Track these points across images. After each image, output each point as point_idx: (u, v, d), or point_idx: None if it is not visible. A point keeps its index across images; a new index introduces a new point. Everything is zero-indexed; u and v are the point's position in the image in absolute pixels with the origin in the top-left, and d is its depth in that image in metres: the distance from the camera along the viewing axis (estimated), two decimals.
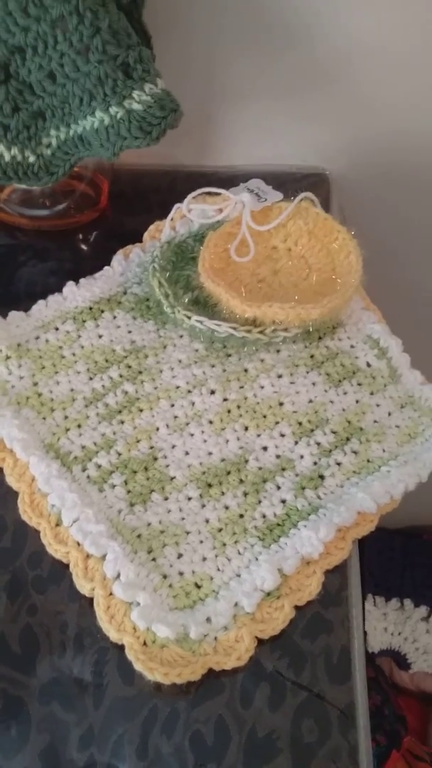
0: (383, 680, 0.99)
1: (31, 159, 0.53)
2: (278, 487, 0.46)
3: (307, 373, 0.51)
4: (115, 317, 0.54)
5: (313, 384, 0.51)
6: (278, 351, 0.52)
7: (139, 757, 0.37)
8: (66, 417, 0.48)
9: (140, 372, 0.50)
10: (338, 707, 0.39)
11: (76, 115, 0.50)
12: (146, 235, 0.59)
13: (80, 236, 0.62)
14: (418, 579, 1.09)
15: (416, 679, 1.02)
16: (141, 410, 0.49)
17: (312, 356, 0.52)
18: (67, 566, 0.42)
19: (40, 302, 0.54)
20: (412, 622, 1.05)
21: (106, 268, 0.56)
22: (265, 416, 0.49)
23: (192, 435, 0.48)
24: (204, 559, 0.42)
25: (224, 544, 0.43)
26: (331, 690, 0.40)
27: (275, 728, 0.38)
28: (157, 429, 0.48)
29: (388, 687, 0.99)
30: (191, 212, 0.56)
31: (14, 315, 0.53)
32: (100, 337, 0.52)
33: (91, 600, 0.41)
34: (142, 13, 0.52)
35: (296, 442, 0.48)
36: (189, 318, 0.51)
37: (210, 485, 0.46)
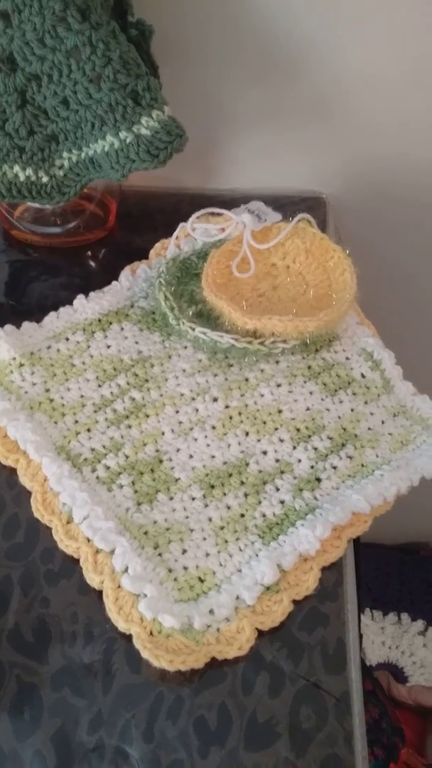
0: (381, 693, 1.00)
1: (45, 179, 0.56)
2: (277, 489, 0.48)
3: (305, 382, 0.54)
4: (122, 329, 0.56)
5: (311, 393, 0.53)
6: (277, 362, 0.55)
7: (146, 740, 0.39)
8: (76, 421, 0.50)
9: (147, 380, 0.53)
10: (334, 695, 0.41)
11: (87, 138, 0.53)
12: (152, 253, 0.62)
13: (89, 253, 0.64)
14: (415, 594, 1.10)
15: (413, 692, 1.03)
16: (147, 416, 0.51)
17: (309, 367, 0.55)
18: (77, 561, 0.44)
19: (52, 314, 0.56)
20: (409, 636, 1.07)
21: (114, 282, 0.59)
22: (264, 422, 0.51)
23: (196, 439, 0.50)
24: (207, 554, 0.45)
25: (226, 541, 0.45)
26: (328, 679, 0.42)
27: (274, 714, 0.40)
28: (163, 433, 0.50)
29: (386, 700, 1.00)
30: (195, 231, 0.59)
31: (27, 326, 0.55)
32: (109, 347, 0.55)
33: (100, 592, 0.43)
34: (150, 45, 0.55)
35: (294, 447, 0.50)
36: (193, 329, 0.53)
37: (213, 486, 0.48)
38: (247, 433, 0.51)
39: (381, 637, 1.07)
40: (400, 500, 0.49)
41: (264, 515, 0.47)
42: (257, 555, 0.45)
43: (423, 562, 1.14)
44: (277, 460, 0.50)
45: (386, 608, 1.09)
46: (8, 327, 0.55)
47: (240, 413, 0.52)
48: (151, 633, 0.41)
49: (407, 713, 1.02)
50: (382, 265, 0.76)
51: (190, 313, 0.56)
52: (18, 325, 0.55)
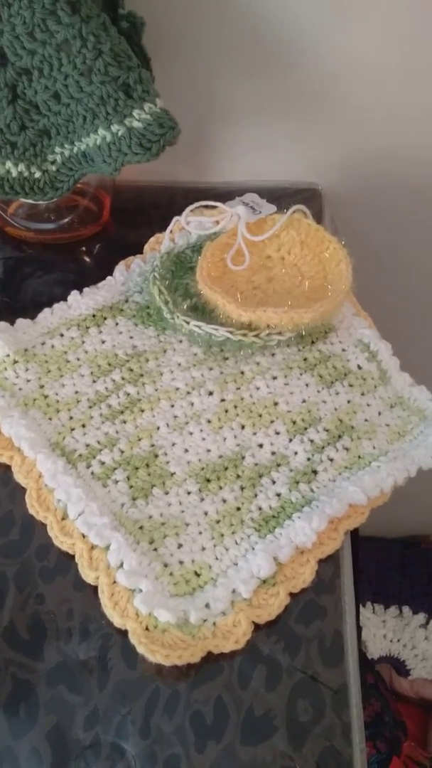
0: (383, 687, 1.00)
1: (37, 175, 0.55)
2: (273, 482, 0.48)
3: (301, 374, 0.54)
4: (117, 324, 0.56)
5: (307, 385, 0.53)
6: (273, 354, 0.55)
7: (142, 736, 0.39)
8: (71, 417, 0.50)
9: (141, 375, 0.53)
10: (332, 688, 0.41)
11: (79, 132, 0.52)
12: (146, 247, 0.61)
13: (83, 249, 0.64)
14: (416, 586, 1.10)
15: (415, 685, 1.03)
16: (142, 410, 0.51)
17: (305, 359, 0.55)
18: (72, 557, 0.44)
19: (46, 310, 0.56)
20: (411, 629, 1.07)
21: (108, 278, 0.59)
22: (260, 415, 0.51)
23: (191, 433, 0.50)
24: (203, 548, 0.44)
25: (222, 535, 0.45)
26: (325, 672, 0.41)
27: (271, 708, 0.40)
28: (158, 428, 0.50)
29: (387, 694, 1.00)
30: (189, 224, 0.59)
31: (21, 322, 0.55)
32: (103, 342, 0.55)
33: (95, 588, 0.43)
34: (141, 37, 0.54)
35: (290, 440, 0.50)
36: (188, 323, 0.53)
37: (208, 480, 0.48)
38: (242, 427, 0.51)
39: (382, 631, 1.07)
40: (401, 493, 0.49)
41: (260, 508, 0.47)
42: (253, 548, 0.44)
43: (424, 554, 1.14)
44: (273, 453, 0.49)
45: (387, 601, 1.09)
46: (2, 324, 0.55)
47: (236, 406, 0.52)
48: (146, 628, 0.41)
49: (410, 707, 1.02)
50: (378, 255, 0.76)
51: (185, 306, 0.56)
52: (12, 322, 0.55)
